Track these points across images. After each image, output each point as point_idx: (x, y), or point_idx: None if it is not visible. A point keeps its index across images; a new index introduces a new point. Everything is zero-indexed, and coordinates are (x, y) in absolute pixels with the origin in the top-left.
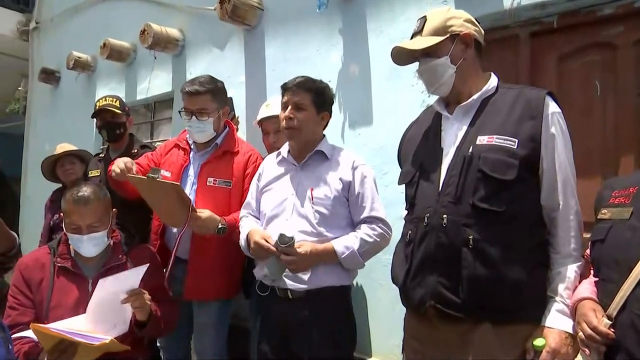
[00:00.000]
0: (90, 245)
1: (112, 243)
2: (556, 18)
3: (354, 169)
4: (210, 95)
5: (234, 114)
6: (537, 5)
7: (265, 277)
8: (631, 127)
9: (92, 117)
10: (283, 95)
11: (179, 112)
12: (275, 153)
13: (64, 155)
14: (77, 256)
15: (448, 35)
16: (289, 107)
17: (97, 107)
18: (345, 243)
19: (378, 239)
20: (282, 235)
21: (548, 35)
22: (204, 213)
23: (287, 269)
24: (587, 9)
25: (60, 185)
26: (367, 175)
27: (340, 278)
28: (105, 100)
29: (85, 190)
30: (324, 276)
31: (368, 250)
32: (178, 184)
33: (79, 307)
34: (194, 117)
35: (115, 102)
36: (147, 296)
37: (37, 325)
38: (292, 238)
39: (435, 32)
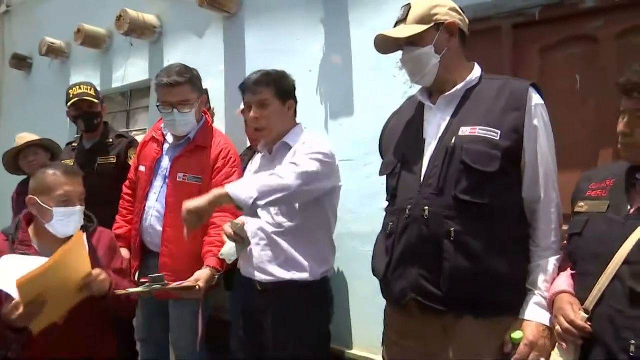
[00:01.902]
0: (77, 219)
1: None
2: (539, 10)
3: (300, 146)
4: (189, 85)
5: (210, 106)
6: None
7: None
8: (612, 120)
9: (68, 106)
10: (243, 96)
11: (157, 106)
12: None
13: (26, 146)
14: (39, 242)
15: (433, 24)
16: (253, 108)
17: (71, 96)
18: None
19: (281, 173)
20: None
21: (530, 27)
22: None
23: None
24: (570, 2)
25: (25, 177)
26: (309, 147)
27: (307, 272)
28: (80, 88)
29: (67, 165)
30: (287, 269)
31: (268, 181)
32: (193, 285)
33: None
34: (175, 110)
35: (91, 90)
36: (102, 276)
37: (20, 279)
38: (237, 224)
39: (420, 21)
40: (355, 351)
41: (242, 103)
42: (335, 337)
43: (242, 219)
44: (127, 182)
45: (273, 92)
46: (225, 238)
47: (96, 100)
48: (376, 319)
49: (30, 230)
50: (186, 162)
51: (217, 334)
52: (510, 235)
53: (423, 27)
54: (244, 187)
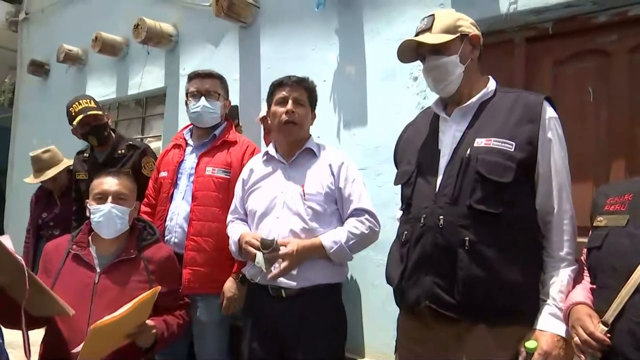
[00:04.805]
0: (112, 217)
1: (127, 236)
2: (552, 24)
3: (340, 165)
4: (219, 81)
5: (238, 122)
6: (533, 11)
7: (256, 274)
8: (623, 133)
9: (75, 125)
10: (277, 92)
11: (186, 95)
12: (259, 155)
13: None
14: (95, 246)
15: (458, 34)
16: (290, 102)
17: (74, 114)
18: (333, 238)
19: (366, 232)
20: (263, 241)
21: (543, 40)
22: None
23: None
24: (583, 16)
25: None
26: (353, 171)
27: (332, 276)
28: (80, 104)
29: (118, 171)
30: (317, 273)
31: (356, 243)
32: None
33: (81, 295)
34: (203, 98)
35: (91, 102)
36: (152, 331)
37: (96, 324)
38: (273, 240)
39: (446, 30)
40: (367, 358)
41: (262, 110)
42: (347, 344)
43: (269, 232)
44: (145, 199)
45: (307, 96)
46: (251, 249)
47: (100, 112)
48: (388, 326)
49: (92, 236)
50: (213, 156)
51: (237, 341)
52: (524, 245)
53: (451, 36)
54: (341, 248)
